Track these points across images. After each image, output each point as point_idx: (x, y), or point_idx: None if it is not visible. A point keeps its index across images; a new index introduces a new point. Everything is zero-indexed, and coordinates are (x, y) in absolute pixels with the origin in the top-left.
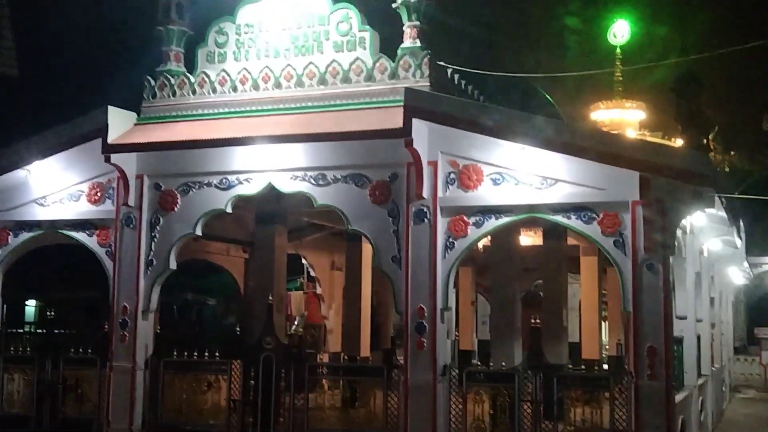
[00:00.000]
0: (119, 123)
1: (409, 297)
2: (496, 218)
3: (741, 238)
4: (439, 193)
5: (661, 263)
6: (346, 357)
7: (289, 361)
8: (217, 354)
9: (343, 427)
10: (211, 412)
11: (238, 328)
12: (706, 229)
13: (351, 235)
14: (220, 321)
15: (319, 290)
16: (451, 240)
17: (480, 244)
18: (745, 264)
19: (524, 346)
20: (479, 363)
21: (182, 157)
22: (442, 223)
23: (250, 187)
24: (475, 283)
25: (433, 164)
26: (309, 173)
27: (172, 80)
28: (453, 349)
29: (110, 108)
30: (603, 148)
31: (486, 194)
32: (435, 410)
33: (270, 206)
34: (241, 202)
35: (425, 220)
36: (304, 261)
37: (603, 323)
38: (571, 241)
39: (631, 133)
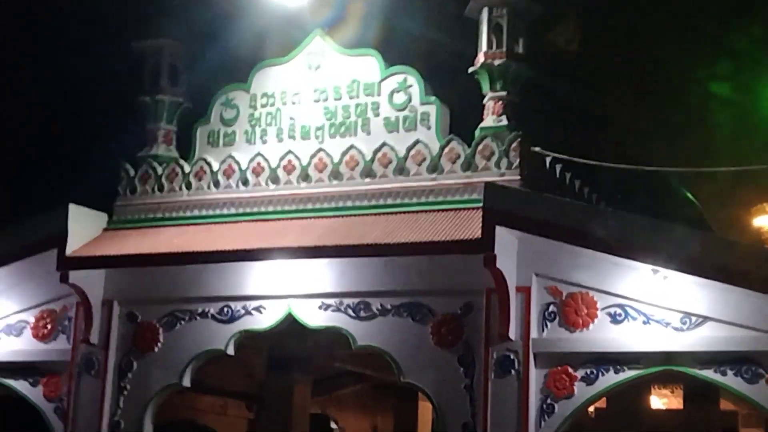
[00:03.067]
0: (83, 227)
1: None
2: (616, 371)
3: None
4: (533, 334)
5: None
6: None
7: None
8: None
9: None
10: None
11: None
12: None
13: (403, 391)
14: None
15: None
16: (549, 401)
17: (592, 408)
18: None
19: None
20: None
21: (168, 277)
22: (536, 377)
23: (262, 320)
24: None
25: (525, 291)
26: (346, 301)
27: (160, 169)
28: None
29: (72, 207)
30: None
31: (601, 336)
32: None
33: (288, 346)
34: (248, 340)
35: (512, 371)
36: (333, 425)
37: None
38: (725, 405)
39: None
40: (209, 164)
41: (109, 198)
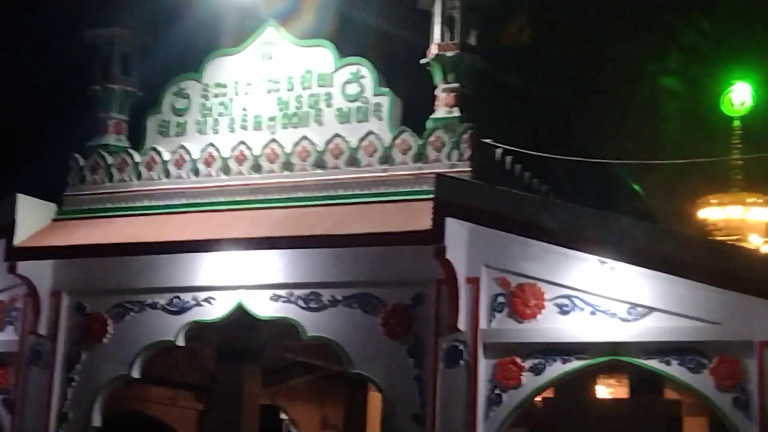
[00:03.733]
0: (32, 218)
1: None
2: (563, 361)
3: None
4: (482, 324)
5: None
6: None
7: None
8: None
9: None
10: None
11: None
12: None
13: (353, 381)
14: None
15: None
16: (497, 392)
17: (539, 397)
18: None
19: None
20: None
21: (117, 268)
22: (485, 367)
23: (212, 311)
24: None
25: (474, 282)
26: (296, 292)
27: (110, 159)
28: None
29: (20, 197)
30: (717, 265)
31: (549, 327)
32: None
33: (238, 338)
34: (198, 331)
35: (461, 362)
36: (283, 415)
37: None
38: (670, 395)
39: (756, 241)
40: (160, 154)
41: (58, 188)
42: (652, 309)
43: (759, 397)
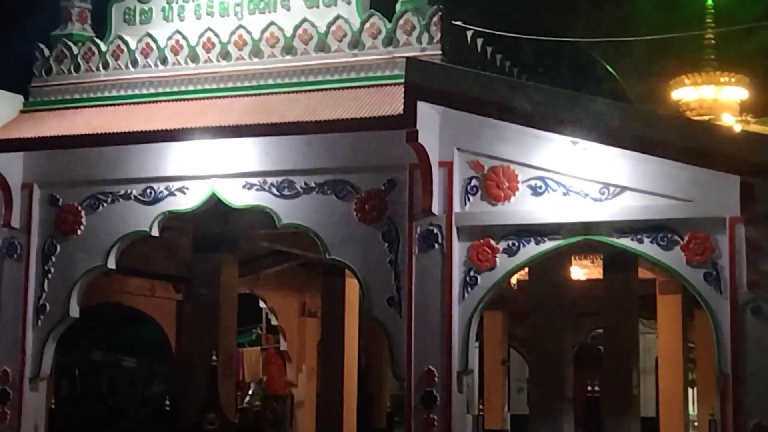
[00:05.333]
0: None
1: (413, 355)
2: (537, 242)
3: None
4: (456, 208)
5: None
6: None
7: None
8: None
9: None
10: None
11: (167, 401)
12: None
13: (329, 268)
14: (143, 390)
15: (283, 346)
16: (472, 274)
17: (514, 279)
18: None
19: (577, 423)
20: None
21: (89, 159)
22: (459, 250)
23: (186, 200)
24: (507, 335)
25: (447, 166)
26: (270, 180)
27: (75, 49)
28: (476, 429)
29: None
30: (689, 143)
31: (522, 208)
32: None
33: (214, 227)
34: (172, 221)
35: (435, 245)
36: (262, 304)
37: (690, 390)
38: (643, 274)
39: (729, 120)
40: (126, 43)
41: (23, 79)
42: (624, 188)
43: (729, 271)
